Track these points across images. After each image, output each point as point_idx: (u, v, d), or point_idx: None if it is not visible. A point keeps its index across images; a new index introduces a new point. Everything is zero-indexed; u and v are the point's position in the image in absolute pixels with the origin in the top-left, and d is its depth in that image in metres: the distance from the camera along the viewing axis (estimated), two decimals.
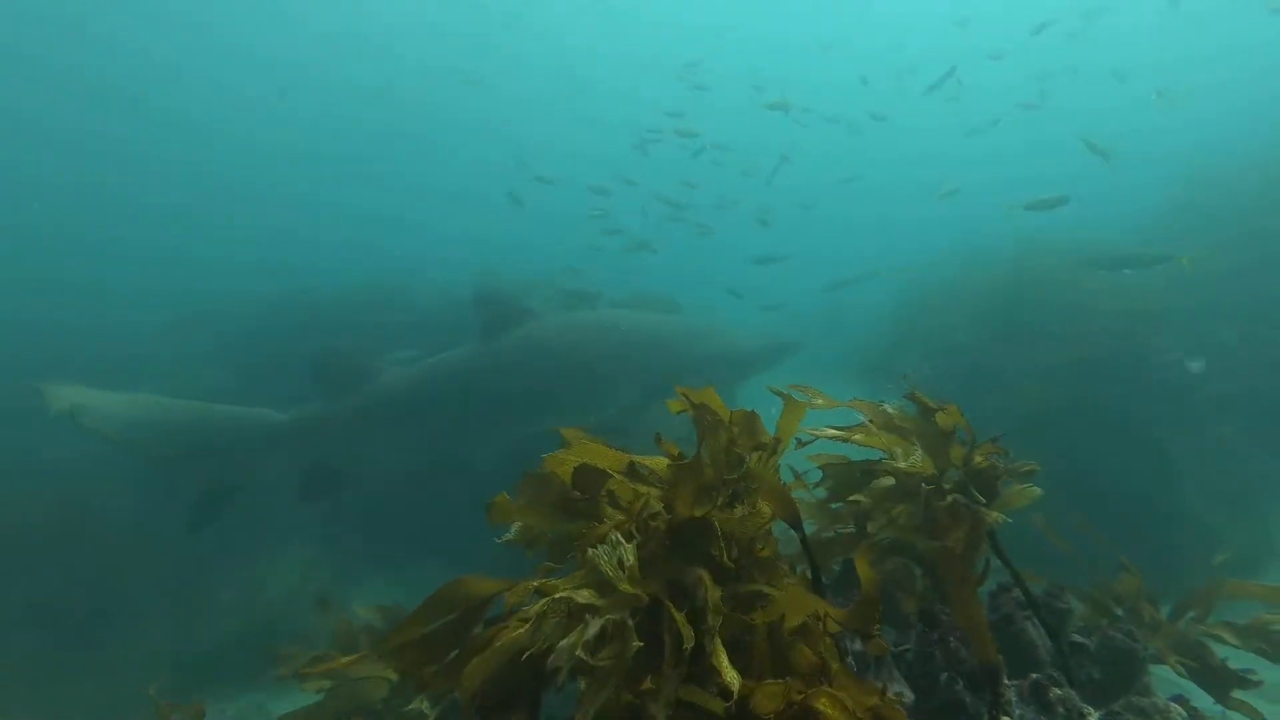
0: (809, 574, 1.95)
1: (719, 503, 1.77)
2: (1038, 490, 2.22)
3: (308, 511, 7.00)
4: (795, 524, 1.88)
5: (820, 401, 2.28)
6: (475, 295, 6.99)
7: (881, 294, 11.85)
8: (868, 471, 2.23)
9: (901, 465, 2.00)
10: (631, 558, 1.47)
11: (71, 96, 33.18)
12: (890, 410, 2.18)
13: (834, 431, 2.19)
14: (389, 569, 7.08)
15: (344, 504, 7.13)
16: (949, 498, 2.01)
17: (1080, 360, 6.76)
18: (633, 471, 1.87)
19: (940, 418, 2.19)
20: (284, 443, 6.58)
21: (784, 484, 1.94)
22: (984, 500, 2.02)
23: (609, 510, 1.82)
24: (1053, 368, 6.84)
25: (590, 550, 1.47)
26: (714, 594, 1.62)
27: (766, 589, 1.67)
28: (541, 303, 9.01)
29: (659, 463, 1.89)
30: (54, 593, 6.32)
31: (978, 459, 2.09)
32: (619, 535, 1.48)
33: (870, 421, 2.17)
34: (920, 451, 2.07)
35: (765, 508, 1.79)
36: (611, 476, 1.83)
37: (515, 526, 1.93)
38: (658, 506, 1.69)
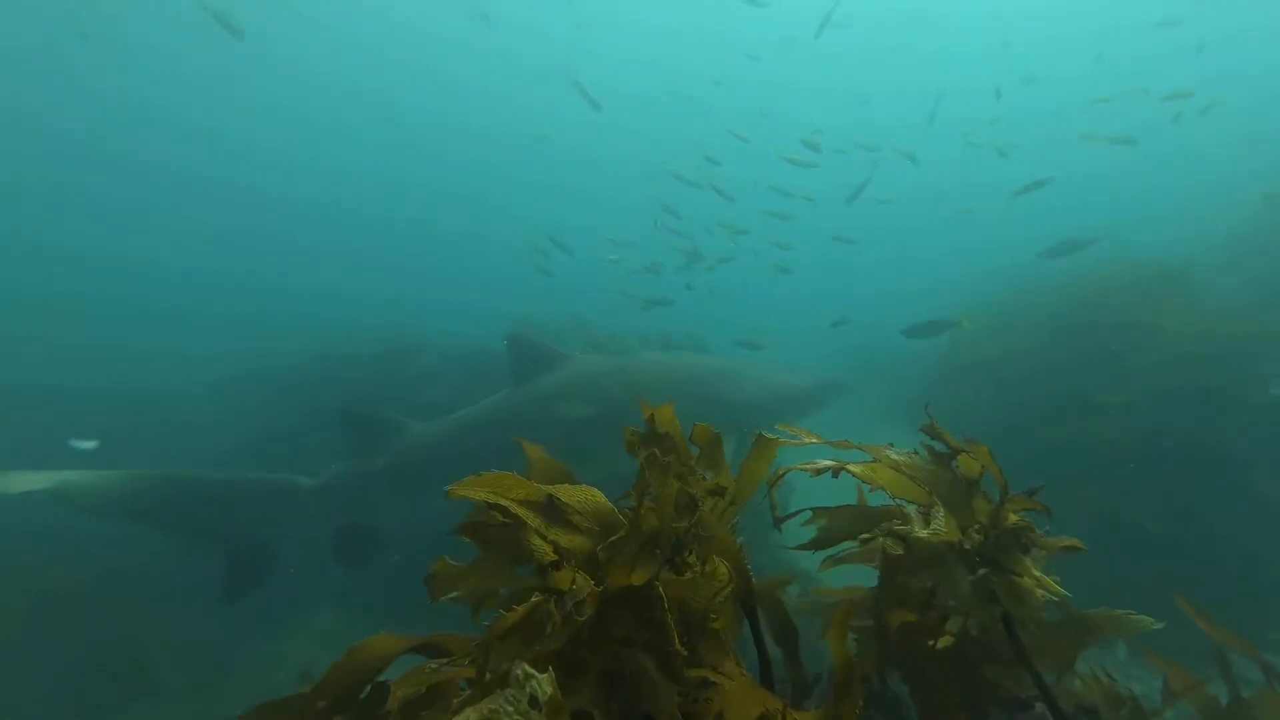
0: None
1: (663, 562, 1.41)
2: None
3: (330, 579, 6.84)
4: (745, 595, 1.48)
5: (812, 440, 1.88)
6: (507, 339, 6.81)
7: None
8: (864, 516, 1.79)
9: (921, 533, 1.56)
10: (549, 688, 1.11)
11: (109, 166, 35.85)
12: (895, 456, 1.75)
13: (825, 464, 1.77)
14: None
15: (369, 568, 6.91)
16: (979, 570, 1.56)
17: (1161, 391, 5.97)
18: (553, 512, 1.48)
19: (964, 462, 1.75)
20: (313, 508, 6.42)
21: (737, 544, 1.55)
22: (1018, 571, 1.56)
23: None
24: (1129, 398, 6.08)
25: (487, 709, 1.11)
26: (667, 697, 1.25)
27: (714, 676, 1.29)
28: (576, 347, 8.87)
29: (590, 503, 1.52)
30: (78, 668, 6.23)
31: (1010, 517, 1.64)
32: (524, 670, 1.11)
33: (871, 470, 1.74)
34: (943, 512, 1.63)
35: (722, 568, 1.40)
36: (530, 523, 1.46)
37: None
38: (585, 587, 1.32)
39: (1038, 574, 1.55)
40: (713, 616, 1.35)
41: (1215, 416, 5.75)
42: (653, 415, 1.74)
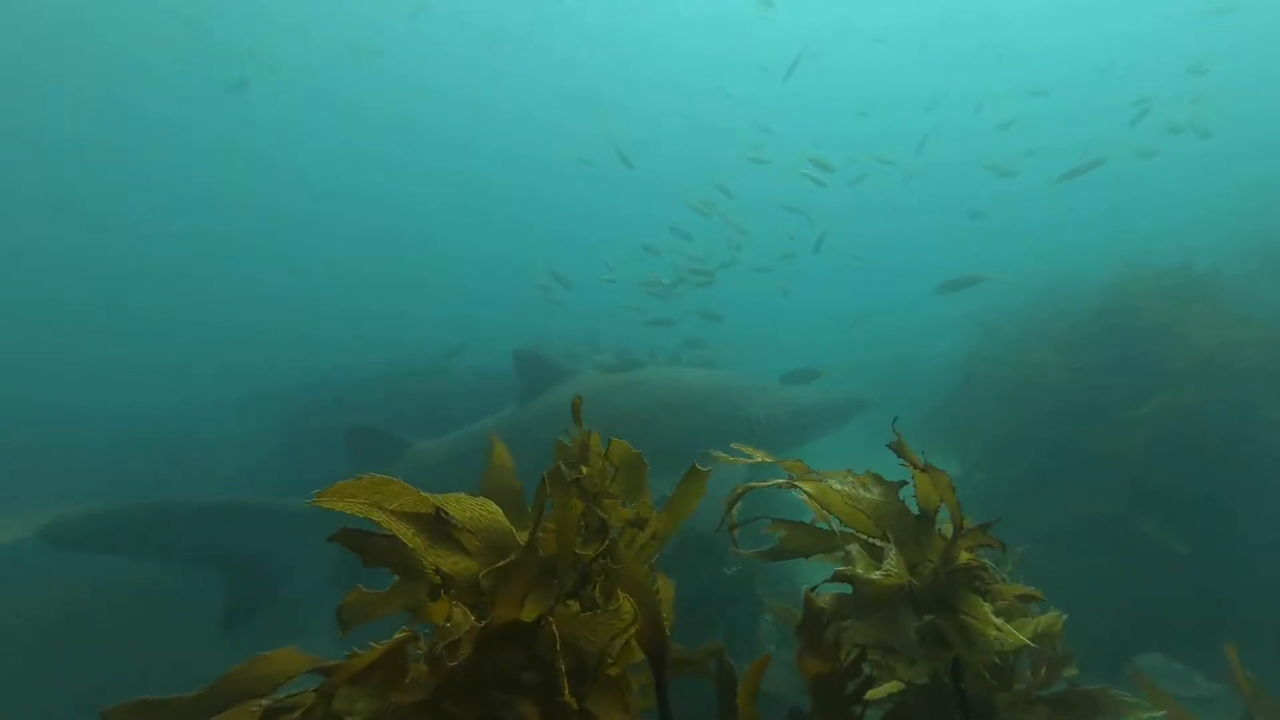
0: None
1: (560, 595, 1.26)
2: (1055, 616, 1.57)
3: (335, 602, 6.64)
4: (652, 640, 1.32)
5: (758, 457, 1.74)
6: (515, 355, 6.74)
7: (955, 338, 10.92)
8: (820, 537, 1.63)
9: (863, 573, 1.39)
10: None
11: (115, 176, 36.89)
12: (838, 485, 1.58)
13: (778, 481, 1.63)
14: None
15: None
16: (923, 617, 1.38)
17: (1186, 405, 5.62)
18: (439, 529, 1.29)
19: (923, 489, 1.58)
20: (315, 530, 6.33)
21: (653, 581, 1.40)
22: (969, 613, 1.38)
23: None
24: (1152, 411, 5.76)
25: None
26: None
27: None
28: (586, 364, 8.76)
29: (483, 519, 1.36)
30: (77, 691, 6.19)
31: (963, 555, 1.46)
32: None
33: (822, 492, 1.59)
34: (893, 549, 1.46)
35: (628, 605, 1.25)
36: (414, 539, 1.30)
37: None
38: (464, 623, 1.17)
39: (993, 617, 1.37)
40: (609, 661, 1.19)
41: (1243, 432, 5.41)
42: (585, 436, 1.58)
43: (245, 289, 37.91)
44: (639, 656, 1.30)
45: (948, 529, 1.59)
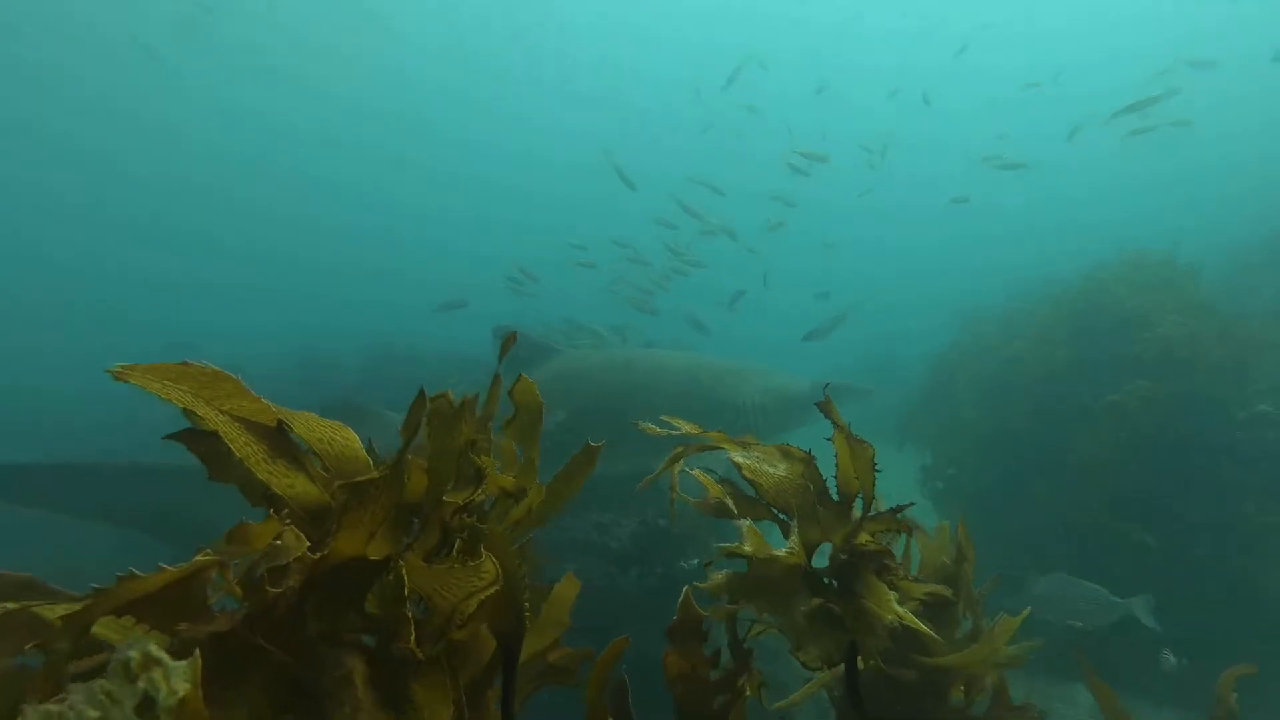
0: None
1: (418, 542, 1.12)
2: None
3: None
4: (507, 633, 1.19)
5: (685, 428, 1.62)
6: (495, 332, 6.60)
7: (941, 333, 10.87)
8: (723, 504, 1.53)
9: (746, 548, 1.28)
10: (182, 685, 0.74)
11: (90, 171, 36.15)
12: (740, 458, 1.46)
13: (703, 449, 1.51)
14: None
15: None
16: (813, 600, 1.27)
17: (1156, 398, 5.53)
18: (282, 445, 1.10)
19: (842, 460, 1.47)
20: None
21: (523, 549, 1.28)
22: (865, 595, 1.27)
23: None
24: (1126, 406, 5.65)
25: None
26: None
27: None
28: (568, 343, 8.60)
29: (336, 441, 1.18)
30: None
31: (863, 537, 1.34)
32: (143, 653, 0.73)
33: (752, 468, 1.47)
34: (795, 529, 1.35)
35: (490, 565, 1.10)
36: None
37: None
38: (295, 548, 0.96)
39: (894, 603, 1.26)
40: (458, 623, 1.06)
41: (1207, 430, 5.34)
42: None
43: (210, 277, 37.63)
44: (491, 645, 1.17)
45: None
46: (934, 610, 1.94)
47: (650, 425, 1.82)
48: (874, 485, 1.46)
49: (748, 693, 1.35)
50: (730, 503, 1.46)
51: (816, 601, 1.27)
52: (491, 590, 1.05)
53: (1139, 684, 4.95)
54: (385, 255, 42.68)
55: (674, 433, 1.71)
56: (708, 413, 6.01)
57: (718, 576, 1.32)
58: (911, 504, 1.48)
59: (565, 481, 1.39)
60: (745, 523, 1.36)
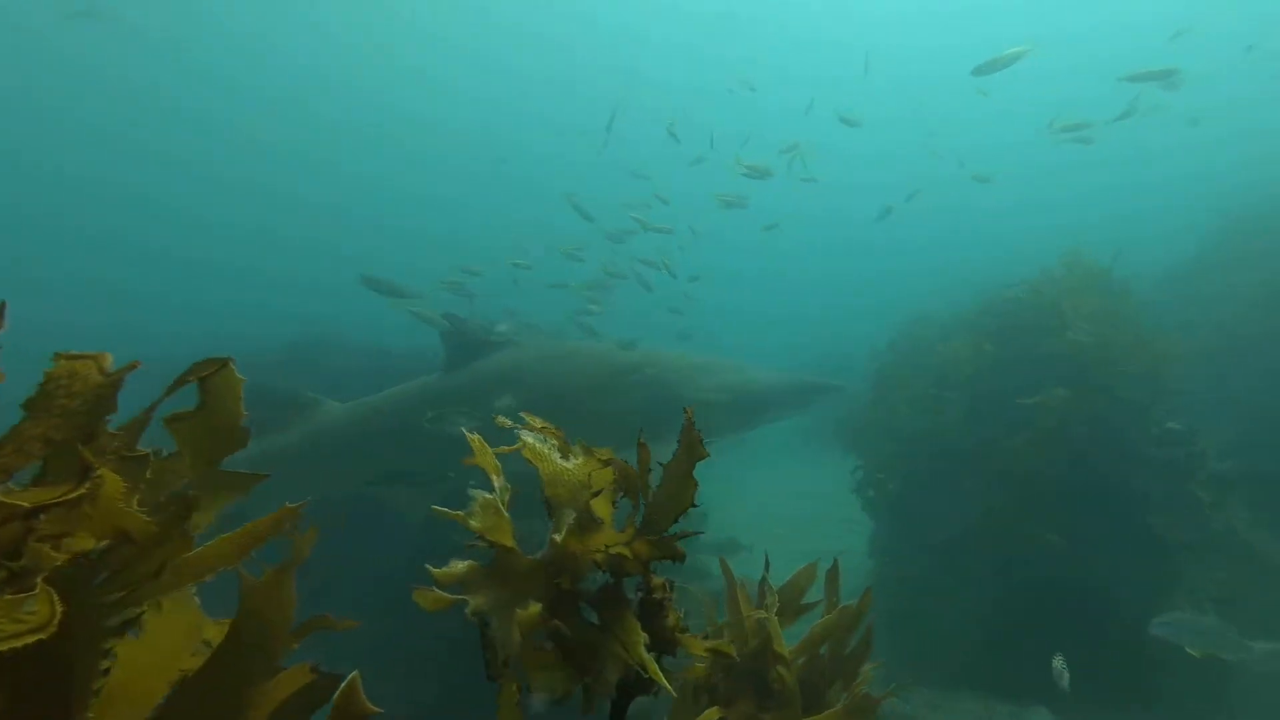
0: None
1: None
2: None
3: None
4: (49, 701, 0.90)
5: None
6: (442, 318, 6.27)
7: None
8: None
9: (473, 523, 1.03)
10: None
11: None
12: (529, 438, 1.23)
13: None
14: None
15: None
16: (542, 616, 1.04)
17: (1072, 420, 5.48)
18: None
19: (578, 463, 1.25)
20: None
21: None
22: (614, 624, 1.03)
23: None
24: (1046, 420, 5.58)
25: None
26: None
27: None
28: (518, 333, 8.18)
29: None
30: None
31: (629, 556, 1.11)
32: None
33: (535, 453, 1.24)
34: (557, 526, 1.11)
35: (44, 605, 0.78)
36: None
37: None
38: None
39: (640, 646, 1.03)
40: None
41: (1123, 440, 5.32)
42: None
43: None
44: None
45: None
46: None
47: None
48: (679, 507, 1.24)
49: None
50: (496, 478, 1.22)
51: (545, 619, 1.04)
52: (29, 639, 0.77)
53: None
54: (309, 230, 40.35)
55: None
56: (663, 406, 5.73)
57: (458, 565, 1.08)
58: (691, 534, 1.24)
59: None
60: (477, 501, 1.12)
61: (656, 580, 1.14)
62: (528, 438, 1.28)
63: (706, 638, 1.38)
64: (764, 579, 1.89)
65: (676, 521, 1.24)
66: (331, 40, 33.31)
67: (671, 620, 1.11)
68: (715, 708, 1.55)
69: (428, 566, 1.07)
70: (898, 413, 7.53)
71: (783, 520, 10.71)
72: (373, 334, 10.81)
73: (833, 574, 1.98)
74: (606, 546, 1.12)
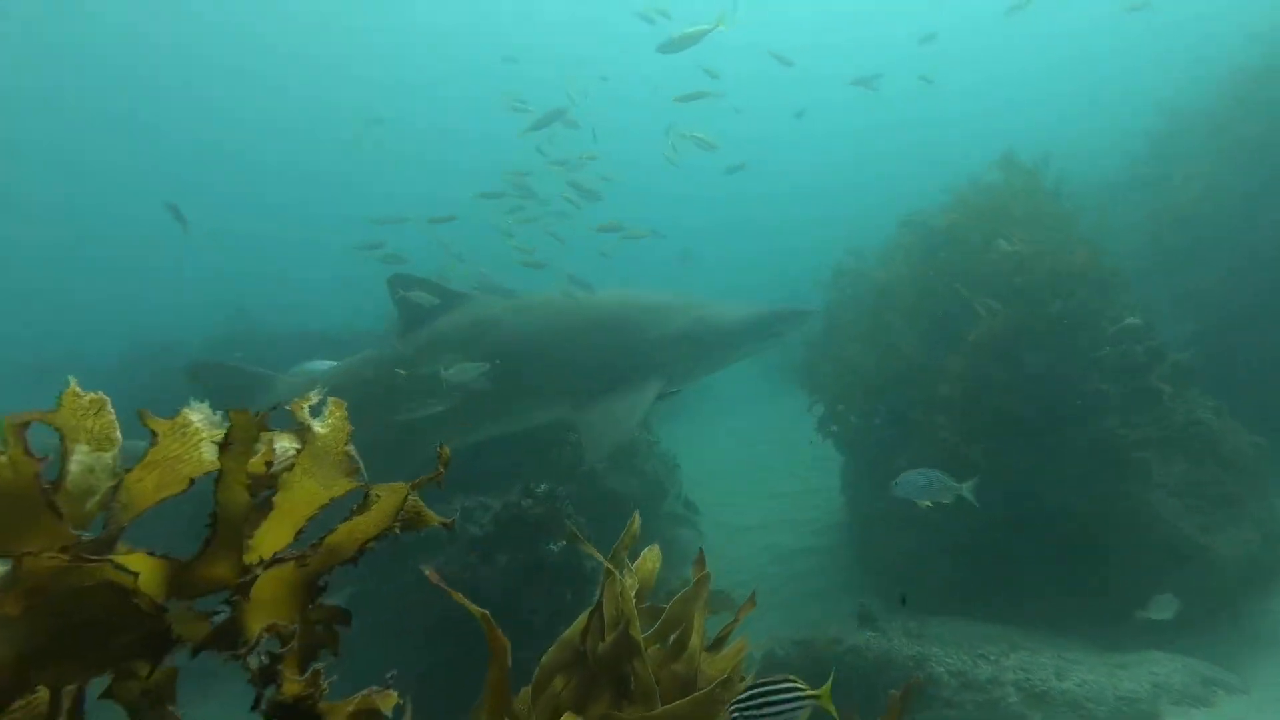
0: None
1: None
2: None
3: None
4: None
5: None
6: (390, 281, 5.82)
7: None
8: None
9: None
10: None
11: None
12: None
13: None
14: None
15: None
16: None
17: (1010, 332, 5.28)
18: None
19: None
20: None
21: None
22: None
23: None
24: (977, 343, 5.41)
25: None
26: None
27: None
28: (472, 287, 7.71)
29: None
30: None
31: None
32: None
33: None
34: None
35: None
36: None
37: None
38: None
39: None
40: None
41: (1070, 348, 5.20)
42: None
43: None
44: None
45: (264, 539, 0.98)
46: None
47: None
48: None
49: None
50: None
51: None
52: None
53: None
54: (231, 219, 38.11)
55: None
56: (634, 348, 5.56)
57: None
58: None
59: None
60: None
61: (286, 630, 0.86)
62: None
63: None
64: (616, 552, 1.64)
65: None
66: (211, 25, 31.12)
67: (291, 690, 0.84)
68: (568, 713, 1.33)
69: None
70: (848, 347, 7.39)
71: (755, 464, 10.68)
72: (293, 320, 10.21)
73: (700, 559, 1.74)
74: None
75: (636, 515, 1.91)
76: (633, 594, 1.54)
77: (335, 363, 6.17)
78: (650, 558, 1.75)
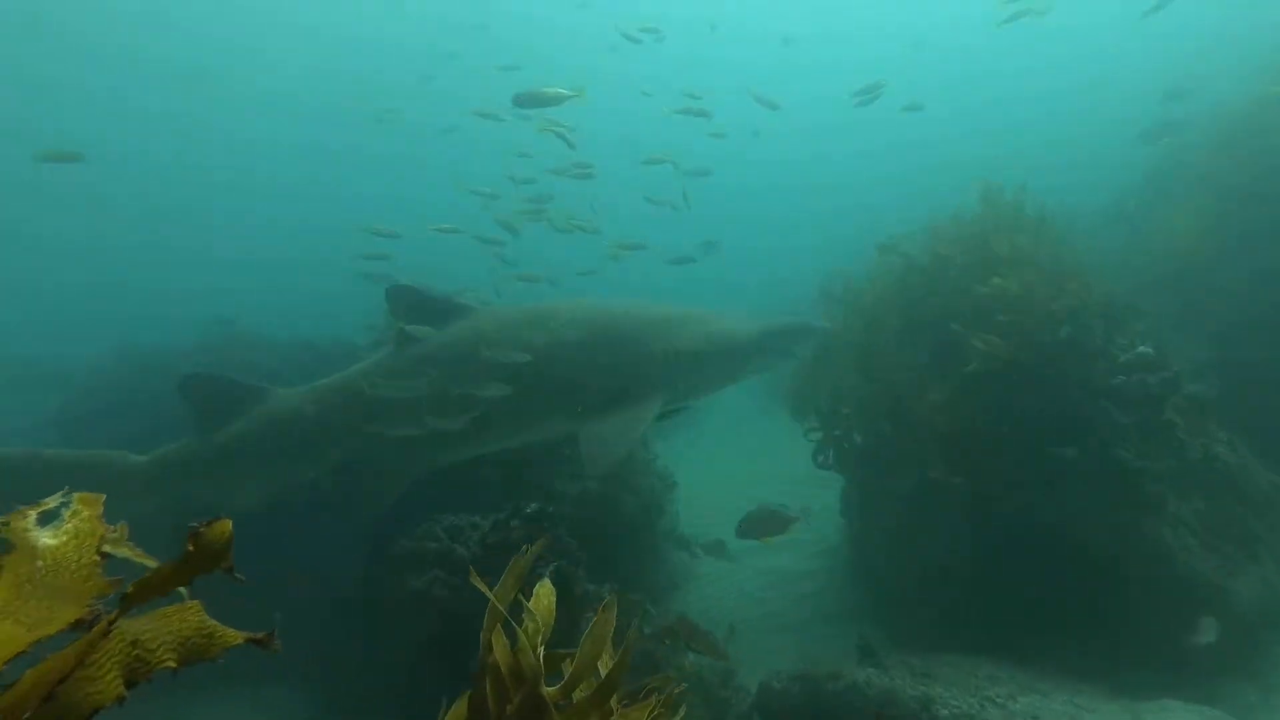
0: None
1: None
2: None
3: None
4: None
5: None
6: (389, 293, 5.67)
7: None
8: None
9: None
10: None
11: None
12: None
13: None
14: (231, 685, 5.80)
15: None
16: None
17: (1008, 365, 5.13)
18: None
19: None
20: (143, 489, 5.35)
21: None
22: None
23: None
24: (972, 378, 5.26)
25: None
26: None
27: None
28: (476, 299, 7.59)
29: None
30: None
31: None
32: None
33: None
34: None
35: None
36: None
37: None
38: None
39: None
40: None
41: (1077, 379, 5.03)
42: None
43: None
44: None
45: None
46: None
47: None
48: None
49: None
50: None
51: None
52: None
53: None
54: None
55: None
56: (635, 362, 5.42)
57: None
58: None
59: None
60: None
61: None
62: None
63: None
64: (502, 589, 1.47)
65: None
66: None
67: None
68: None
69: None
70: (842, 375, 7.18)
71: (754, 481, 10.51)
72: (286, 329, 10.04)
73: (609, 605, 1.57)
74: None
75: (525, 548, 1.75)
76: (539, 641, 1.35)
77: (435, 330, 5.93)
78: (544, 594, 1.54)
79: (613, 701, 1.43)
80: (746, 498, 9.74)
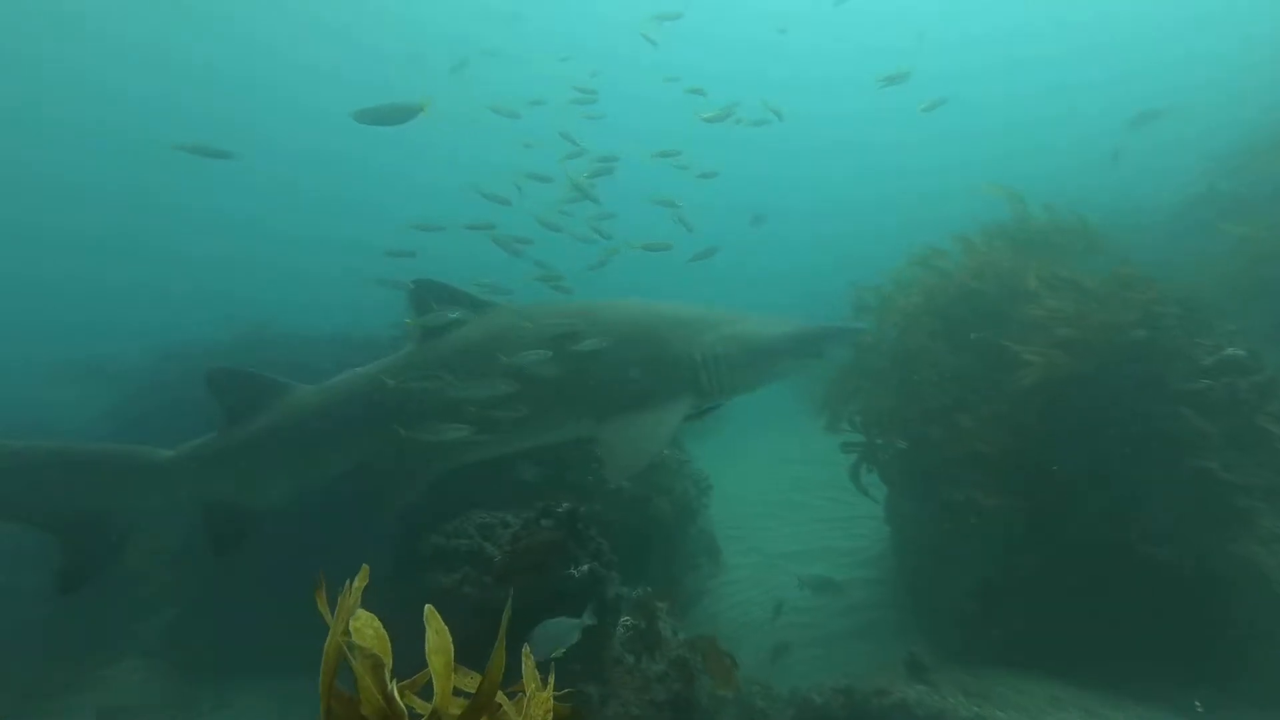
0: None
1: None
2: None
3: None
4: None
5: None
6: (413, 285, 5.60)
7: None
8: None
9: None
10: None
11: None
12: None
13: None
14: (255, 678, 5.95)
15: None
16: None
17: (1069, 377, 4.83)
18: None
19: None
20: (170, 483, 5.37)
21: None
22: None
23: None
24: (1027, 390, 4.94)
25: None
26: None
27: None
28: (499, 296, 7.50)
29: None
30: None
31: None
32: None
33: None
34: None
35: None
36: None
37: None
38: None
39: None
40: None
41: (1163, 378, 4.66)
42: None
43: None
44: None
45: None
46: None
47: None
48: None
49: None
50: None
51: None
52: None
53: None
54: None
55: None
56: (660, 365, 5.26)
57: None
58: None
59: None
60: None
61: None
62: None
63: None
64: (337, 621, 1.24)
65: None
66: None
67: None
68: None
69: None
70: (876, 388, 6.87)
71: (793, 485, 10.23)
72: (316, 323, 10.11)
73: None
74: None
75: (365, 568, 1.50)
76: (394, 686, 1.15)
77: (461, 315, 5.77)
78: (365, 622, 1.29)
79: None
80: (789, 503, 9.53)
